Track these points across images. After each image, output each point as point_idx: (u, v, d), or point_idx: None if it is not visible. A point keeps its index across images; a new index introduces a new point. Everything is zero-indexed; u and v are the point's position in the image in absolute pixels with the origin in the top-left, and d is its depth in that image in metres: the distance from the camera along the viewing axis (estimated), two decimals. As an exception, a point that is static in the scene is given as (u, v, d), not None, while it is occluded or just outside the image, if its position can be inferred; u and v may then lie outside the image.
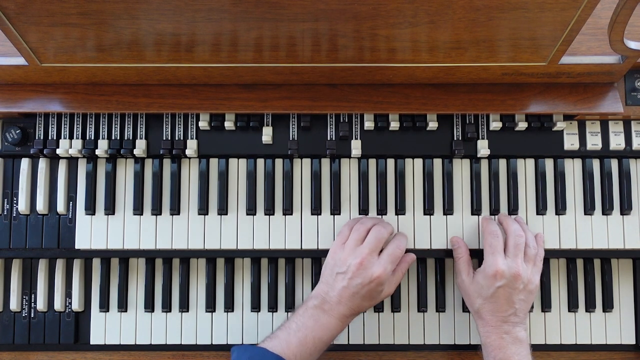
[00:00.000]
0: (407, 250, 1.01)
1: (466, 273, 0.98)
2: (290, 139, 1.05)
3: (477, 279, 0.96)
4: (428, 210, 1.04)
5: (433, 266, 1.08)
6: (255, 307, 1.06)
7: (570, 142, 1.05)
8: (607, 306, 1.07)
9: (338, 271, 0.94)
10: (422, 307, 1.06)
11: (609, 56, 0.94)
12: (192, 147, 1.03)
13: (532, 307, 1.06)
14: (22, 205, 1.03)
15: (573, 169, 1.06)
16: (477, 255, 1.05)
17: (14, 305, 1.05)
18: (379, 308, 1.06)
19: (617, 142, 1.05)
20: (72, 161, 1.06)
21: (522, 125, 1.03)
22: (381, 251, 0.96)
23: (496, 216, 1.04)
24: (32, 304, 1.06)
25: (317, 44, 0.86)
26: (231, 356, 0.91)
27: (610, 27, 0.82)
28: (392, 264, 0.95)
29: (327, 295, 0.93)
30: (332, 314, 0.92)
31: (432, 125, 1.03)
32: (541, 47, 0.88)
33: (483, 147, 1.04)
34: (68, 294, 1.06)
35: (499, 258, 0.95)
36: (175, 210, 1.03)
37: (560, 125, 1.03)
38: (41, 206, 1.03)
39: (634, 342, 1.07)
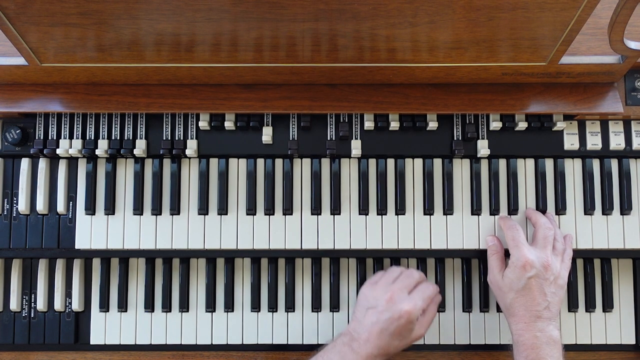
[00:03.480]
0: (407, 250, 1.01)
1: (498, 269, 0.97)
2: (290, 139, 1.05)
3: (507, 274, 0.94)
4: (428, 210, 1.04)
5: (433, 266, 1.08)
6: (255, 307, 1.06)
7: (570, 142, 1.05)
8: (607, 306, 1.07)
9: (369, 306, 0.92)
10: (422, 307, 1.06)
11: (609, 56, 0.94)
12: (192, 147, 1.03)
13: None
14: (22, 205, 1.03)
15: (573, 169, 1.06)
16: (476, 255, 1.05)
17: (14, 305, 1.05)
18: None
19: (617, 142, 1.05)
20: (72, 161, 1.06)
21: (522, 125, 1.03)
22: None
23: (525, 211, 1.04)
24: (32, 304, 1.06)
25: (317, 44, 0.86)
26: None
27: (610, 27, 0.82)
28: (422, 301, 0.92)
29: (356, 333, 0.91)
30: (360, 352, 0.89)
31: (432, 125, 1.03)
32: (541, 47, 0.88)
33: (483, 147, 1.04)
34: (68, 294, 1.06)
35: (525, 249, 0.94)
36: (175, 210, 1.03)
37: (560, 125, 1.03)
38: (41, 206, 1.03)
39: (634, 342, 1.07)
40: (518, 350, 0.91)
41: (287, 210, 1.04)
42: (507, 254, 1.00)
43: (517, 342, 0.92)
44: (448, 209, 1.04)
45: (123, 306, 1.06)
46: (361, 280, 1.06)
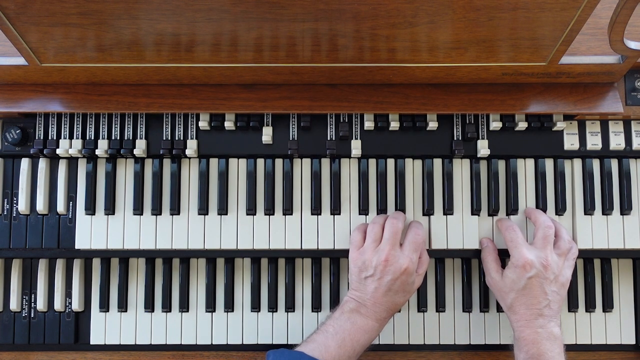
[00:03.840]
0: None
1: (495, 270, 0.98)
2: (290, 139, 1.04)
3: (507, 274, 0.95)
4: (428, 210, 1.04)
5: (433, 266, 1.07)
6: (255, 307, 1.06)
7: (570, 142, 1.05)
8: (607, 306, 1.07)
9: (366, 275, 0.93)
10: (422, 307, 1.06)
11: (609, 56, 0.94)
12: (192, 147, 1.03)
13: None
14: (22, 205, 1.03)
15: (573, 169, 1.06)
16: (476, 255, 1.05)
17: (14, 305, 1.05)
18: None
19: (617, 142, 1.05)
20: (72, 161, 1.06)
21: (522, 125, 1.03)
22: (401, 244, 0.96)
23: (524, 210, 1.04)
24: (32, 304, 1.06)
25: (317, 44, 0.86)
26: None
27: (610, 27, 0.82)
28: (415, 252, 0.94)
29: (361, 299, 0.93)
30: (370, 316, 0.92)
31: (432, 125, 1.03)
32: (541, 47, 0.88)
33: (483, 147, 1.04)
34: (68, 294, 1.06)
35: (524, 249, 0.94)
36: (175, 210, 1.03)
37: (560, 125, 1.03)
38: (41, 206, 1.03)
39: (634, 342, 1.07)
40: (519, 345, 0.92)
41: (287, 210, 1.04)
42: (504, 254, 1.00)
43: (518, 337, 0.92)
44: (448, 209, 1.04)
45: (123, 306, 1.06)
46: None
